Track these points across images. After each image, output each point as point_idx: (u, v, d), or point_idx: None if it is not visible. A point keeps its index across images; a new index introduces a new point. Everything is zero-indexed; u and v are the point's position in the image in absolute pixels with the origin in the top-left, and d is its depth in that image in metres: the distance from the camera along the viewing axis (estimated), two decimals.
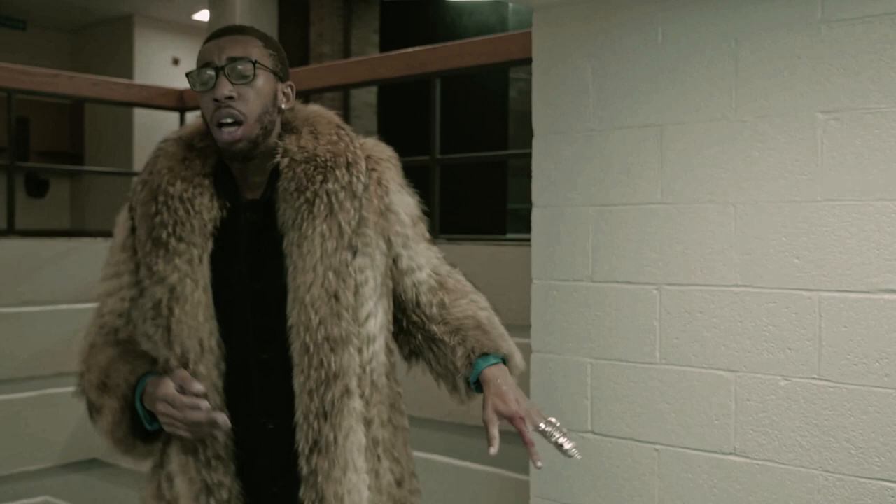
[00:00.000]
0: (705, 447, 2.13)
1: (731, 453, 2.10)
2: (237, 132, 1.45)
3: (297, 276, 1.44)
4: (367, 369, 1.49)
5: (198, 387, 1.38)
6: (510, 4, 7.52)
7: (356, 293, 1.47)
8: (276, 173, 1.50)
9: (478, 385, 1.55)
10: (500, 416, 1.45)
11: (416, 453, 3.26)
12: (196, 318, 1.44)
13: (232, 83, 1.44)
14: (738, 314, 2.09)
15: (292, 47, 8.01)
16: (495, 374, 1.53)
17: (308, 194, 1.47)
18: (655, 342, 2.21)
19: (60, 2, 8.92)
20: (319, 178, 1.48)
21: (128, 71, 9.26)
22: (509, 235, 7.04)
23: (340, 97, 7.44)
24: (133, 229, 1.51)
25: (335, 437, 1.44)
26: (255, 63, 1.46)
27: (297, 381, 1.43)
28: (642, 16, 2.22)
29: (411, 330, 1.59)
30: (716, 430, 2.12)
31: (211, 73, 1.45)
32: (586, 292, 2.33)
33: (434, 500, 3.09)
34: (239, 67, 1.45)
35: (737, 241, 2.09)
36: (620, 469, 2.27)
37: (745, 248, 2.08)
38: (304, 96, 5.19)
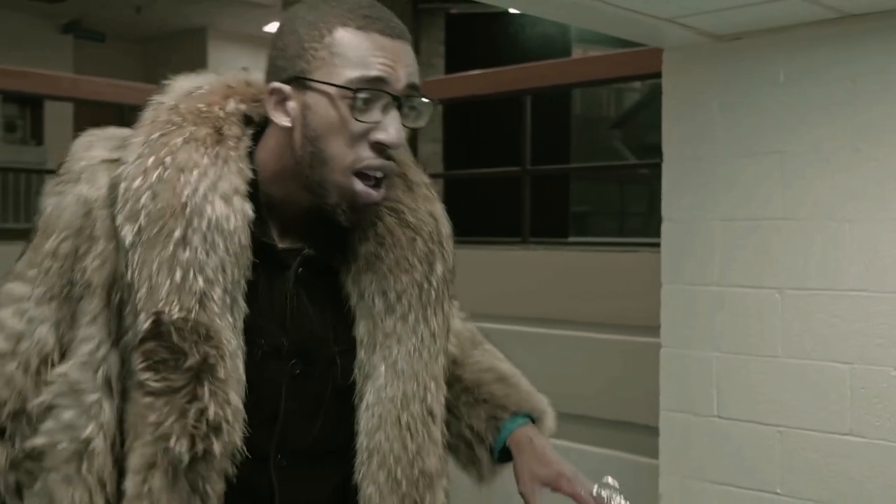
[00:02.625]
0: (824, 428, 2.48)
1: (847, 434, 2.45)
2: (382, 193, 1.12)
3: (391, 385, 1.14)
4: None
5: None
6: None
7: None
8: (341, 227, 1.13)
9: (504, 452, 1.32)
10: (543, 483, 1.27)
11: (554, 441, 3.68)
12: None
13: (404, 126, 1.10)
14: (854, 314, 2.44)
15: None
16: (529, 435, 1.31)
17: (416, 275, 1.17)
18: (777, 339, 2.57)
19: (139, 16, 9.39)
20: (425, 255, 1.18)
21: None
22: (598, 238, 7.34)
23: None
24: (88, 235, 1.06)
25: None
26: (434, 105, 1.14)
27: None
28: (765, 59, 2.57)
29: None
30: (833, 414, 2.47)
31: (386, 101, 1.08)
32: (714, 295, 2.68)
33: None
34: (417, 107, 1.12)
35: (853, 252, 2.44)
36: (745, 448, 2.63)
37: (860, 258, 2.43)
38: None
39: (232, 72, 1.21)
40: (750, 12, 2.36)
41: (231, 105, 1.14)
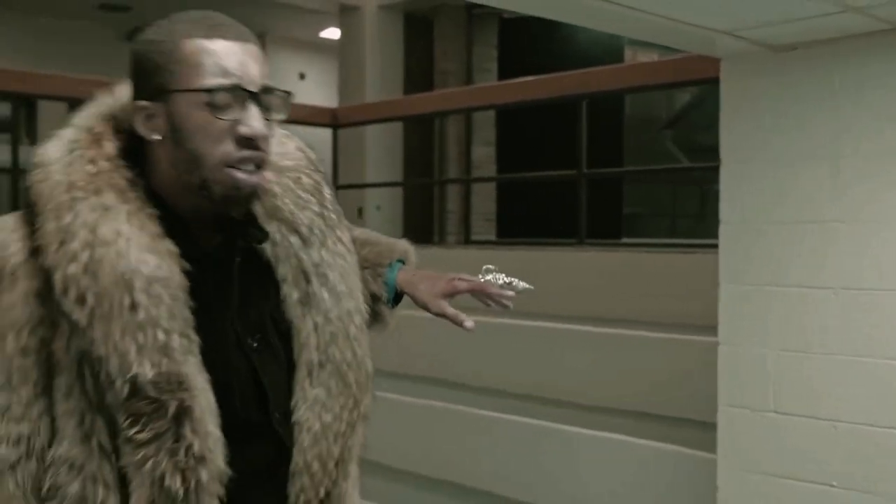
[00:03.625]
0: (878, 423, 2.58)
1: None
2: (262, 177, 1.20)
3: (336, 305, 1.30)
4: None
5: None
6: None
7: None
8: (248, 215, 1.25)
9: (396, 296, 1.55)
10: (444, 295, 1.48)
11: (609, 435, 3.81)
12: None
13: (265, 119, 1.18)
14: None
15: (417, 63, 8.57)
16: (407, 274, 1.55)
17: (314, 207, 1.33)
18: (832, 336, 2.67)
19: None
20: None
21: None
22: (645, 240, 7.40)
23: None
24: (50, 318, 1.12)
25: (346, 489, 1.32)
26: (290, 96, 1.22)
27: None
28: (820, 68, 2.68)
29: None
30: (887, 409, 2.57)
31: (239, 96, 1.15)
32: (770, 295, 2.79)
33: (627, 480, 3.60)
34: (275, 101, 1.20)
35: None
36: (801, 442, 2.73)
37: None
38: (467, 112, 5.71)
39: (81, 112, 1.25)
40: (805, 24, 2.47)
41: (108, 148, 1.19)
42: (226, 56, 1.15)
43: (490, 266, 1.47)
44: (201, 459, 1.13)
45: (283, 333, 1.27)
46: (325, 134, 6.56)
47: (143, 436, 1.10)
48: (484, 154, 8.30)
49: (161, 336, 1.12)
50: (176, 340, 1.13)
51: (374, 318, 1.52)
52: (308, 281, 1.28)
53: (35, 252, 1.13)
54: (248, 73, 1.16)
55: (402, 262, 1.59)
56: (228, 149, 1.16)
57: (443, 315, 1.48)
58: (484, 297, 1.50)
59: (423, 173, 8.18)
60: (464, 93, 5.98)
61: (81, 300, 1.10)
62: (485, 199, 8.29)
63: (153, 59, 1.16)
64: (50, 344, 1.13)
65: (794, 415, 2.75)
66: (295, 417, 1.25)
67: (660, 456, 3.47)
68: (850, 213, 2.63)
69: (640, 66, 4.73)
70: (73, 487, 1.13)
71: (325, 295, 1.28)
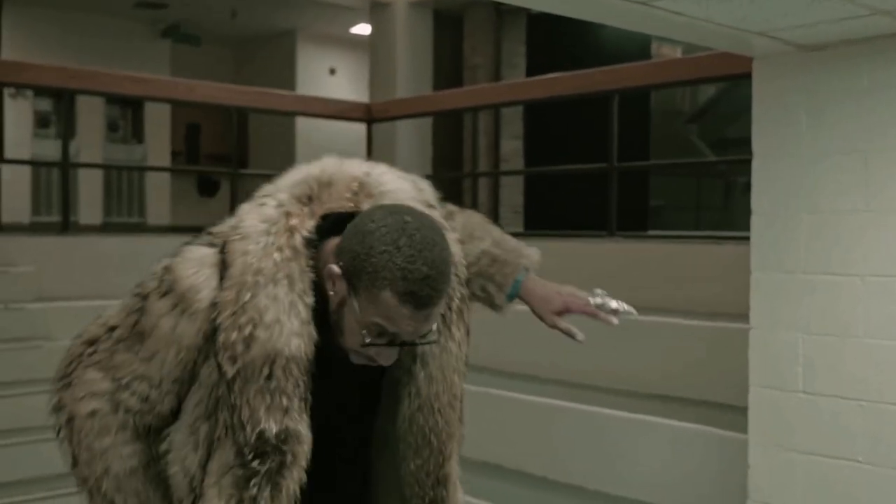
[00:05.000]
0: None
1: None
2: (385, 362, 1.50)
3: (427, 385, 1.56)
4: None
5: None
6: None
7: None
8: None
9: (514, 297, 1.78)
10: (559, 313, 1.72)
11: (643, 417, 3.97)
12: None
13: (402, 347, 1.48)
14: None
15: (446, 59, 8.73)
16: (529, 286, 1.77)
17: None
18: (859, 321, 2.82)
19: (233, 20, 9.86)
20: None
21: (290, 82, 10.17)
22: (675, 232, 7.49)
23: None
24: (205, 354, 1.45)
25: (447, 494, 1.63)
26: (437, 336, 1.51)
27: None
28: (850, 66, 2.82)
29: None
30: None
31: (388, 339, 1.44)
32: (799, 282, 2.95)
33: (662, 460, 3.76)
34: (422, 338, 1.47)
35: None
36: (829, 421, 2.88)
37: None
38: (495, 108, 5.85)
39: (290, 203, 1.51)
40: (835, 26, 2.62)
41: (297, 239, 1.45)
42: (403, 320, 1.40)
43: (599, 290, 1.67)
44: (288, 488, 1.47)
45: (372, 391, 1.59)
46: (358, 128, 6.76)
47: (258, 466, 1.43)
48: (512, 148, 8.46)
49: (285, 401, 1.42)
50: (296, 404, 1.43)
51: (491, 305, 1.79)
52: (415, 362, 1.55)
53: (215, 306, 1.42)
54: (410, 332, 1.43)
55: (528, 268, 1.80)
56: (361, 349, 1.45)
57: (556, 328, 1.74)
58: (584, 312, 1.74)
59: (453, 166, 8.35)
60: (495, 89, 6.15)
61: (233, 360, 1.40)
62: (513, 192, 8.45)
63: (364, 265, 1.39)
64: (200, 366, 1.45)
65: (822, 395, 2.90)
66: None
67: (693, 437, 3.63)
68: (877, 205, 2.78)
69: (668, 62, 4.87)
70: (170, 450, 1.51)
71: (422, 375, 1.56)
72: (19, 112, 8.95)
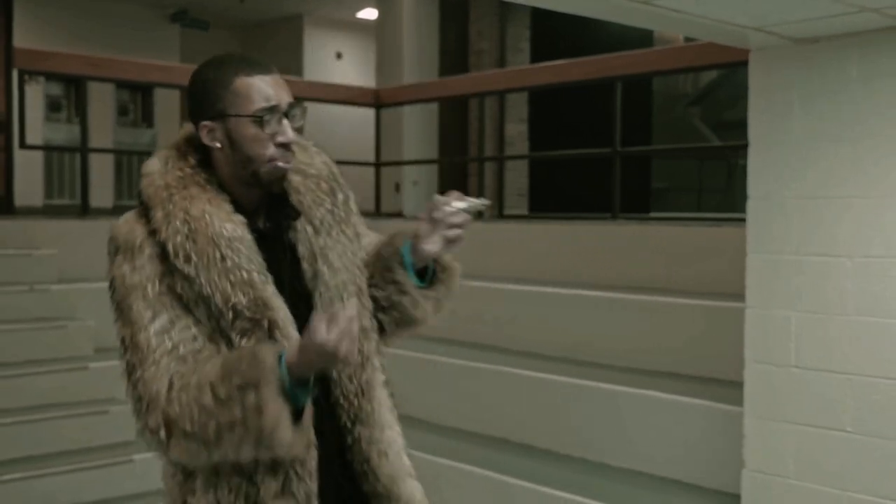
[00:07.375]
0: (888, 375, 2.91)
1: None
2: (290, 160, 1.67)
3: (333, 277, 1.70)
4: (378, 343, 1.79)
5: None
6: None
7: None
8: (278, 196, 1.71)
9: (419, 274, 1.81)
10: (434, 221, 1.74)
11: (644, 391, 4.15)
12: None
13: (293, 127, 1.65)
14: None
15: (452, 43, 8.86)
16: (413, 245, 1.80)
17: (327, 205, 1.75)
18: (848, 299, 2.99)
19: (242, 4, 9.98)
20: (327, 192, 1.75)
21: (297, 66, 10.30)
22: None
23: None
24: (170, 272, 1.58)
25: (371, 409, 1.72)
26: (305, 107, 1.68)
27: (337, 367, 1.65)
28: (840, 58, 2.98)
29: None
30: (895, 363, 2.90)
31: (278, 115, 1.62)
32: (792, 263, 3.12)
33: (662, 432, 3.95)
34: (297, 114, 1.65)
35: None
36: (819, 393, 3.06)
37: None
38: (500, 95, 6.00)
39: (171, 144, 1.74)
40: (827, 21, 2.78)
41: (190, 160, 1.68)
42: (264, 87, 1.63)
43: (457, 193, 1.76)
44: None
45: (304, 297, 1.72)
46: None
47: (249, 344, 1.58)
48: (517, 131, 8.60)
49: (245, 274, 1.59)
50: (255, 276, 1.60)
51: (413, 306, 1.81)
52: (316, 260, 1.71)
53: (152, 233, 1.60)
54: (279, 96, 1.63)
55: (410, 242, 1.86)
56: (271, 151, 1.63)
57: (446, 224, 1.76)
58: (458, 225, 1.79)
59: (458, 150, 8.49)
60: (502, 75, 6.31)
61: (188, 259, 1.58)
62: (518, 175, 8.60)
63: (214, 90, 1.64)
64: (175, 289, 1.59)
65: (814, 369, 3.08)
66: None
67: (692, 410, 3.82)
68: (865, 189, 2.95)
69: (670, 49, 5.01)
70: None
71: (325, 270, 1.71)
72: (31, 97, 9.08)
